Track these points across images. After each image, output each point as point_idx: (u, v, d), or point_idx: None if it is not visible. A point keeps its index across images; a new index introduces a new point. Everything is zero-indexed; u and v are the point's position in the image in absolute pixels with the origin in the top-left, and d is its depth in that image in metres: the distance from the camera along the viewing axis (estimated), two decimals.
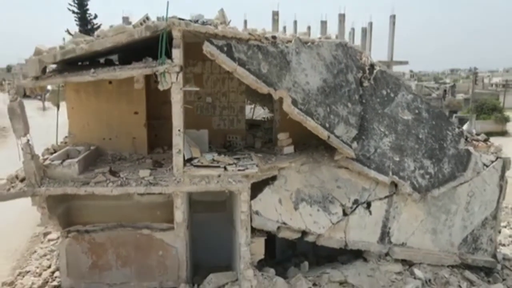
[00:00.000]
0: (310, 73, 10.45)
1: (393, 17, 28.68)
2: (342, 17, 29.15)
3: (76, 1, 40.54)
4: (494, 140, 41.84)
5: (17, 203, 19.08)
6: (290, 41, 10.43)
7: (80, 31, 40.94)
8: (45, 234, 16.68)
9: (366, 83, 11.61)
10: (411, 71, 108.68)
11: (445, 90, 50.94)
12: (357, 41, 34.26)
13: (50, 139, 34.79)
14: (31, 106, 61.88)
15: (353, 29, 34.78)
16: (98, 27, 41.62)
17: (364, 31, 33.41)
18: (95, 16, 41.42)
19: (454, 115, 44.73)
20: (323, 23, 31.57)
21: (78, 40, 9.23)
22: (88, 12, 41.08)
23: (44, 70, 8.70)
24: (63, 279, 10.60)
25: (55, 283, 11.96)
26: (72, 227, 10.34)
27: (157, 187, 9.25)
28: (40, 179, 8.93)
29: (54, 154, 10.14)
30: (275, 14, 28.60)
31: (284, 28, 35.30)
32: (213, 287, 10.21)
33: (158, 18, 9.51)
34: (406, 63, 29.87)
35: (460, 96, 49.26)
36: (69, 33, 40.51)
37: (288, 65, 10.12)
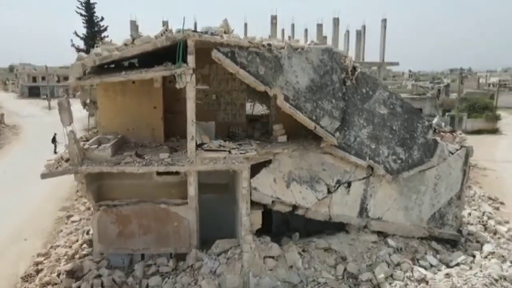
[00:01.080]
0: (300, 74, 12.76)
1: (384, 21, 30.96)
2: (336, 21, 31.47)
3: (83, 4, 42.78)
4: (484, 138, 44.39)
5: (41, 191, 21.59)
6: (283, 48, 12.75)
7: (88, 32, 43.36)
8: (68, 217, 19.04)
9: (348, 83, 13.89)
10: (410, 70, 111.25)
11: (439, 90, 53.17)
12: (352, 43, 36.67)
13: (59, 137, 37.30)
14: (37, 106, 64.41)
15: (348, 32, 37.15)
16: (105, 29, 44.04)
17: (358, 33, 35.78)
18: (102, 19, 43.68)
19: (447, 113, 47.01)
20: (319, 26, 33.94)
21: (110, 48, 11.54)
22: (95, 14, 43.29)
23: (85, 72, 11.00)
24: (95, 245, 12.91)
25: (84, 252, 14.29)
26: (102, 201, 12.64)
27: (175, 167, 11.57)
28: (81, 160, 11.24)
29: (89, 141, 12.43)
30: (274, 18, 30.92)
31: (283, 30, 37.71)
32: (219, 251, 12.53)
33: (177, 30, 11.73)
34: (397, 64, 32.17)
35: (453, 96, 51.47)
36: (77, 35, 42.94)
37: (281, 67, 12.44)
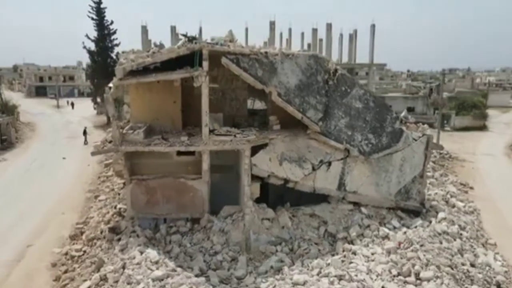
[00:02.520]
0: (290, 75, 16.43)
1: (373, 26, 34.64)
2: (329, 26, 35.16)
3: (94, 9, 46.53)
4: (471, 134, 48.81)
5: (67, 178, 25.40)
6: (277, 54, 16.41)
7: (98, 35, 47.13)
8: (96, 197, 22.72)
9: (330, 82, 17.56)
10: (408, 70, 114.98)
11: (431, 89, 56.80)
12: (345, 45, 40.36)
13: (72, 133, 43.11)
14: (46, 105, 68.25)
15: (341, 35, 40.84)
16: (114, 32, 47.83)
17: (351, 37, 39.47)
18: (111, 22, 47.43)
19: (436, 111, 50.61)
20: (314, 31, 37.62)
21: (143, 55, 15.22)
22: (105, 18, 47.02)
23: (124, 74, 14.65)
24: (128, 211, 16.58)
25: (117, 219, 17.94)
26: (134, 176, 16.30)
27: (192, 147, 15.25)
28: (121, 141, 14.91)
29: (124, 128, 16.11)
30: (272, 24, 34.60)
31: (281, 34, 41.45)
32: (226, 215, 16.19)
33: (192, 40, 15.40)
34: (384, 65, 35.87)
35: (445, 94, 55.07)
36: (88, 37, 46.68)
37: (275, 70, 16.11)
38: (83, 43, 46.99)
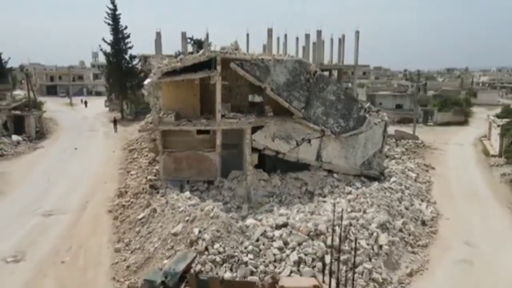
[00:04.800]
0: (280, 75, 23.24)
1: (357, 32, 41.37)
2: (319, 33, 41.88)
3: (110, 15, 53.32)
4: (451, 128, 56.17)
5: (98, 161, 32.32)
6: (270, 60, 23.22)
7: (114, 38, 53.92)
8: (128, 172, 29.39)
9: (311, 80, 24.38)
10: (405, 70, 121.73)
11: (418, 88, 63.57)
12: (335, 48, 47.07)
13: (91, 126, 51.73)
14: (58, 103, 75.12)
15: (331, 40, 47.58)
16: (128, 36, 54.57)
17: (340, 41, 46.21)
18: (126, 27, 54.20)
19: (420, 108, 57.32)
20: (307, 36, 44.38)
21: (174, 60, 22.01)
22: (120, 24, 53.80)
23: (162, 75, 21.41)
24: (161, 175, 23.34)
25: (150, 184, 24.64)
26: (165, 149, 23.06)
27: (209, 126, 22.05)
28: (159, 122, 21.69)
29: (160, 114, 22.89)
30: (270, 31, 41.28)
31: (278, 39, 48.18)
32: (233, 177, 22.96)
33: (210, 51, 22.18)
34: (368, 66, 42.51)
35: (430, 93, 61.92)
36: (105, 41, 53.49)
37: (269, 72, 22.90)
38: (99, 45, 53.89)
